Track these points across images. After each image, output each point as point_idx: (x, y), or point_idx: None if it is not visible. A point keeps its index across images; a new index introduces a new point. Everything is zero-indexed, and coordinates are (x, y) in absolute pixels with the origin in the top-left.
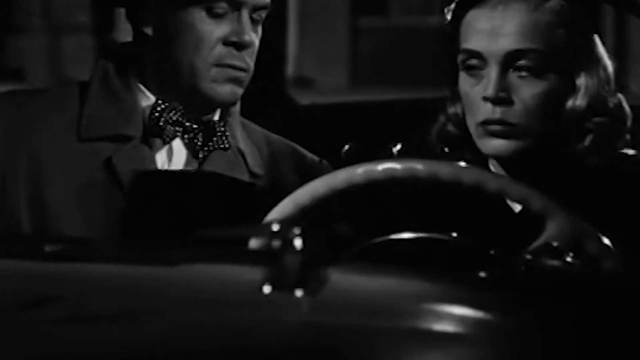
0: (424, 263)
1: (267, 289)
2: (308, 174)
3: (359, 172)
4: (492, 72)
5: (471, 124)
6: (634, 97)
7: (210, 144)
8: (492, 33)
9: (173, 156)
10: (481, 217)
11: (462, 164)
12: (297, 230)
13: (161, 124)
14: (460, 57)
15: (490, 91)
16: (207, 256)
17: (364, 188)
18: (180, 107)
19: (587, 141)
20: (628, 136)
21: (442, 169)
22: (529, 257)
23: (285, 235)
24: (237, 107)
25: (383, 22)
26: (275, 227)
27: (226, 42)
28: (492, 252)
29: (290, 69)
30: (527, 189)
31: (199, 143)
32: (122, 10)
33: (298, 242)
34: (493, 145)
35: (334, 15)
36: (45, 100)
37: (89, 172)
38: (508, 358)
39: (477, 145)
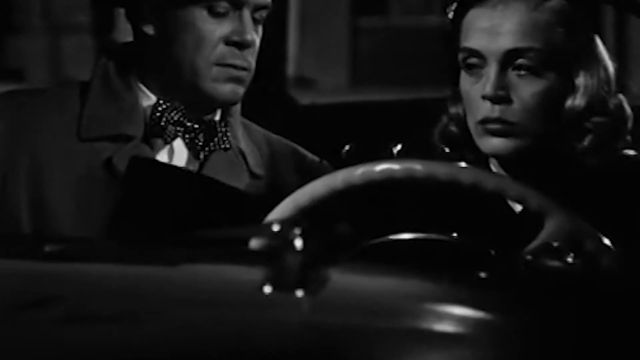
0: (424, 263)
1: (267, 289)
2: (308, 175)
3: (358, 172)
4: (491, 71)
5: (471, 123)
6: (634, 97)
7: (211, 144)
8: (491, 32)
9: (174, 156)
10: (481, 217)
11: (460, 163)
12: (297, 231)
13: (162, 124)
14: (460, 56)
15: (488, 89)
16: (207, 256)
17: (363, 189)
18: (182, 107)
19: (587, 141)
20: (629, 137)
21: (440, 169)
22: (528, 257)
23: (285, 236)
24: (238, 107)
25: (383, 22)
26: (276, 228)
27: (228, 42)
28: (492, 252)
29: (290, 69)
30: (526, 188)
31: (200, 143)
32: (122, 11)
33: (298, 243)
34: (492, 144)
35: (334, 15)
36: (45, 100)
37: (89, 172)
38: (508, 358)
39: (476, 144)
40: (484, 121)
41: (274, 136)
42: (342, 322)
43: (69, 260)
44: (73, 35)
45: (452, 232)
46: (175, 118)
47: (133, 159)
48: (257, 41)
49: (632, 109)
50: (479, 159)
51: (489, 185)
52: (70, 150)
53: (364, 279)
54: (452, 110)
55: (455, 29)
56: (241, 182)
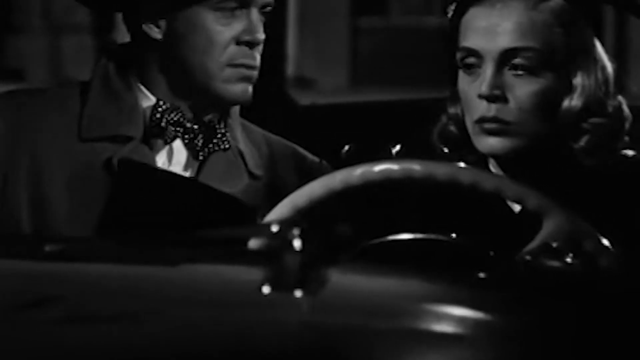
0: (423, 263)
1: (266, 289)
2: (308, 175)
3: (356, 173)
4: (487, 70)
5: (469, 122)
6: (634, 97)
7: (210, 145)
8: (489, 31)
9: (173, 157)
10: (480, 217)
11: (459, 164)
12: (296, 231)
13: (162, 124)
14: (458, 56)
15: (484, 88)
16: (207, 256)
17: (362, 189)
18: (180, 108)
19: (583, 141)
20: (627, 137)
21: (438, 170)
22: (528, 257)
23: (284, 236)
24: (237, 108)
25: (383, 22)
26: (275, 228)
27: (239, 41)
28: (491, 252)
29: (290, 69)
30: (524, 188)
31: (199, 144)
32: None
33: (297, 243)
34: (488, 143)
35: (334, 15)
36: (45, 100)
37: (89, 173)
38: (508, 358)
39: (474, 143)
40: (481, 120)
41: (274, 137)
42: (342, 322)
43: (69, 260)
44: (73, 35)
45: (451, 232)
46: (175, 119)
47: (124, 162)
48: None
49: (632, 109)
50: (478, 159)
51: (488, 186)
52: (70, 150)
53: (363, 279)
54: (451, 110)
55: (454, 28)
56: (240, 182)
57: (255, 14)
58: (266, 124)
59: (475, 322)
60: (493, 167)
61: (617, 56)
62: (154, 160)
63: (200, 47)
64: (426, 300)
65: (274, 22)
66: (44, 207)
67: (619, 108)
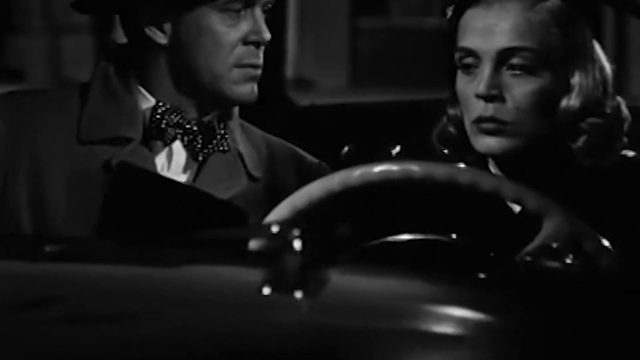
0: (423, 264)
1: (266, 290)
2: (307, 176)
3: (356, 174)
4: (485, 70)
5: (467, 122)
6: (634, 97)
7: (209, 146)
8: (486, 31)
9: (173, 158)
10: (480, 217)
11: (458, 164)
12: (296, 232)
13: (162, 126)
14: (456, 56)
15: (481, 88)
16: (207, 257)
17: (361, 190)
18: (180, 110)
19: (581, 141)
20: (625, 138)
21: (437, 170)
22: (527, 257)
23: (284, 237)
24: (236, 109)
25: (383, 22)
26: (275, 229)
27: (246, 42)
28: (491, 253)
29: (289, 70)
30: (523, 188)
31: (199, 145)
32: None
33: (297, 244)
34: (486, 143)
35: (334, 15)
36: (45, 100)
37: (89, 174)
38: (508, 358)
39: (472, 143)
40: (478, 120)
41: (273, 138)
42: (342, 323)
43: (69, 260)
44: (73, 35)
45: (451, 232)
46: (175, 120)
47: (123, 163)
48: None
49: (631, 110)
50: (478, 160)
51: (487, 186)
52: (70, 151)
53: (363, 280)
54: (451, 111)
55: (452, 29)
56: (239, 184)
57: (259, 13)
58: (265, 125)
59: (476, 323)
60: (493, 167)
61: (616, 57)
62: (153, 162)
63: (208, 50)
64: (426, 301)
65: (274, 23)
66: (44, 207)
67: (617, 108)
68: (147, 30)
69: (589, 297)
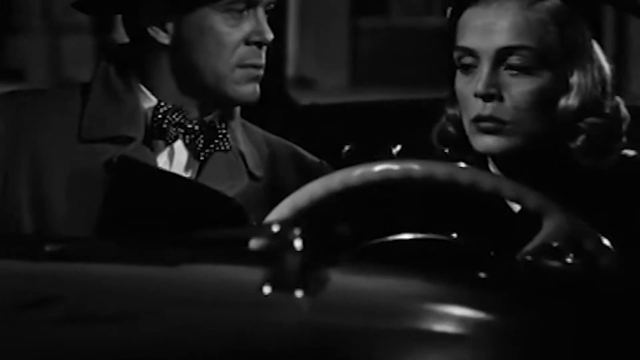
0: (423, 263)
1: (267, 289)
2: (308, 176)
3: (356, 173)
4: (483, 69)
5: (466, 121)
6: (634, 97)
7: (211, 145)
8: (485, 30)
9: (174, 157)
10: (480, 217)
11: (458, 163)
12: (297, 231)
13: (164, 125)
14: (455, 55)
15: (480, 87)
16: (207, 256)
17: (362, 189)
18: (182, 109)
19: (580, 141)
20: (625, 138)
21: (437, 169)
22: (528, 257)
23: (285, 236)
24: (238, 109)
25: (383, 22)
26: (276, 228)
27: (248, 42)
28: (491, 252)
29: (290, 69)
30: (524, 188)
31: (200, 144)
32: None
33: (298, 243)
34: (484, 142)
35: (334, 15)
36: (45, 100)
37: (90, 173)
38: (508, 358)
39: (470, 142)
40: (477, 119)
41: (274, 137)
42: (342, 322)
43: (69, 260)
44: (73, 35)
45: (451, 232)
46: (177, 119)
47: (124, 162)
48: None
49: (631, 110)
50: (478, 160)
51: (487, 186)
52: (70, 150)
53: (363, 279)
54: (450, 111)
55: (451, 29)
56: (240, 183)
57: (261, 13)
58: (266, 124)
59: (476, 322)
60: (492, 167)
61: (616, 56)
62: (155, 161)
63: (210, 50)
64: (426, 300)
65: (274, 22)
66: (44, 207)
67: (616, 108)
68: (149, 30)
69: (589, 297)
